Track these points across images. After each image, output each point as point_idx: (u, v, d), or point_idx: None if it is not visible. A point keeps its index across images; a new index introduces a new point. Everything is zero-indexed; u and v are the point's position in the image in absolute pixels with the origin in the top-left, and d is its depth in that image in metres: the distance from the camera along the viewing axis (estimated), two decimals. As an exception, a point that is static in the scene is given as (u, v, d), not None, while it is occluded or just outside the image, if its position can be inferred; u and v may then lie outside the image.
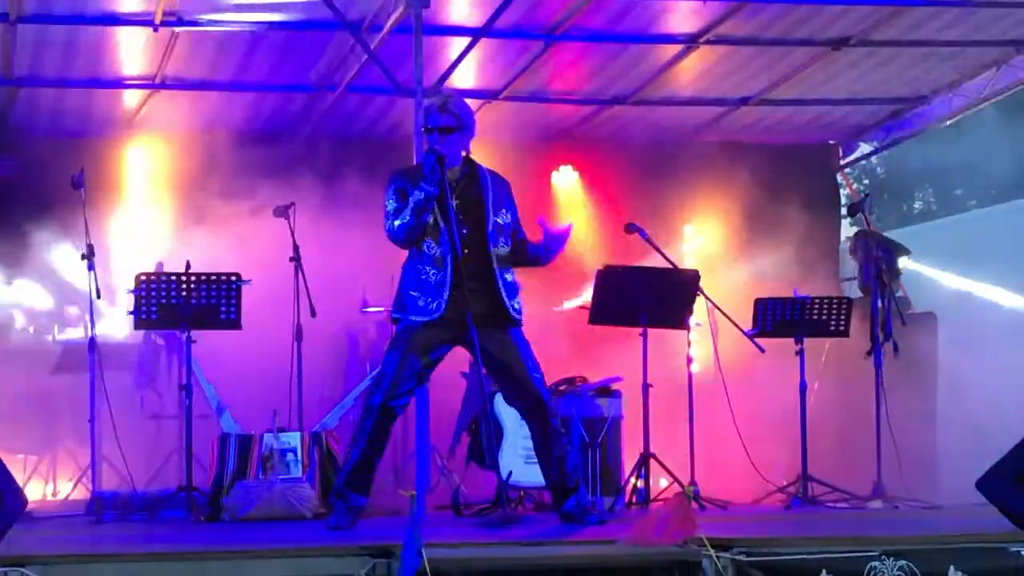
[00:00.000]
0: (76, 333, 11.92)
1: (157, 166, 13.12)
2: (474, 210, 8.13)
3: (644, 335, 10.24)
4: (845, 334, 10.97)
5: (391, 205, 8.13)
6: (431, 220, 8.06)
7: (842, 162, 15.11)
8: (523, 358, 8.18)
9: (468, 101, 12.74)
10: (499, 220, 8.20)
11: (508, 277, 8.21)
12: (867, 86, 13.10)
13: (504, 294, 8.13)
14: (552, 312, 12.16)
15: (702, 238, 14.02)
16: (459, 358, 8.84)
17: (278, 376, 10.72)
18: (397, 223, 8.08)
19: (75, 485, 11.86)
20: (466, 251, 8.06)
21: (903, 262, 12.73)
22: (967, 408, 13.05)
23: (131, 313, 10.11)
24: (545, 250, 8.35)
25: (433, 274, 8.06)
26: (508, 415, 9.60)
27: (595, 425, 10.31)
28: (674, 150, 14.23)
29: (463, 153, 8.27)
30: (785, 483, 10.86)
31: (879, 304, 10.63)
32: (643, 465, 10.18)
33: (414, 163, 8.44)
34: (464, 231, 8.08)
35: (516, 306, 8.20)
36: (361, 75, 11.70)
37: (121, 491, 10.46)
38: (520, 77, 12.44)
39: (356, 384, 11.20)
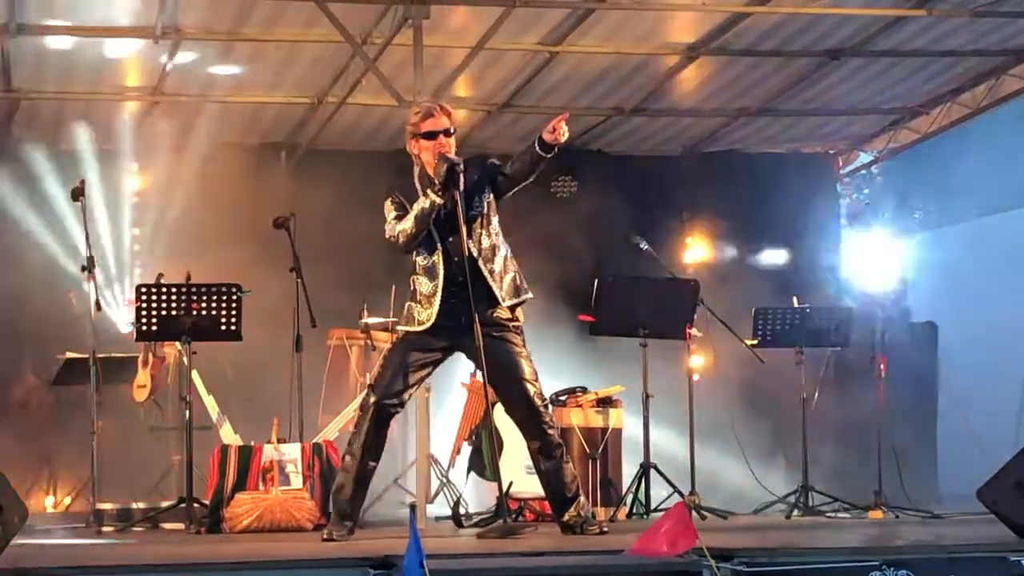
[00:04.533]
0: (77, 344, 11.91)
1: (157, 178, 13.14)
2: (452, 214, 7.92)
3: (644, 345, 10.25)
4: (846, 344, 10.96)
5: (391, 216, 8.08)
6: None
7: (842, 171, 15.13)
8: (518, 365, 8.08)
9: (469, 112, 12.83)
10: (474, 212, 8.03)
11: (496, 266, 8.04)
12: (866, 96, 13.12)
13: (492, 284, 7.98)
14: (556, 323, 12.15)
15: (702, 248, 14.02)
16: (460, 368, 8.84)
17: (278, 387, 10.71)
18: (399, 229, 7.98)
19: (76, 497, 11.86)
20: (455, 259, 7.99)
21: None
22: (968, 417, 13.05)
23: (132, 325, 10.12)
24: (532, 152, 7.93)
25: (425, 284, 8.02)
26: (509, 425, 9.57)
27: (596, 436, 10.31)
28: (674, 160, 14.26)
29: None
30: (786, 493, 10.85)
31: (879, 314, 10.62)
32: (644, 476, 10.18)
33: (411, 173, 8.28)
34: (449, 239, 8.01)
35: (510, 291, 8.03)
36: (361, 86, 11.71)
37: (122, 503, 10.47)
38: (520, 88, 12.47)
39: (356, 395, 11.19)
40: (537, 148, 7.87)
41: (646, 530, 6.39)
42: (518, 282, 8.15)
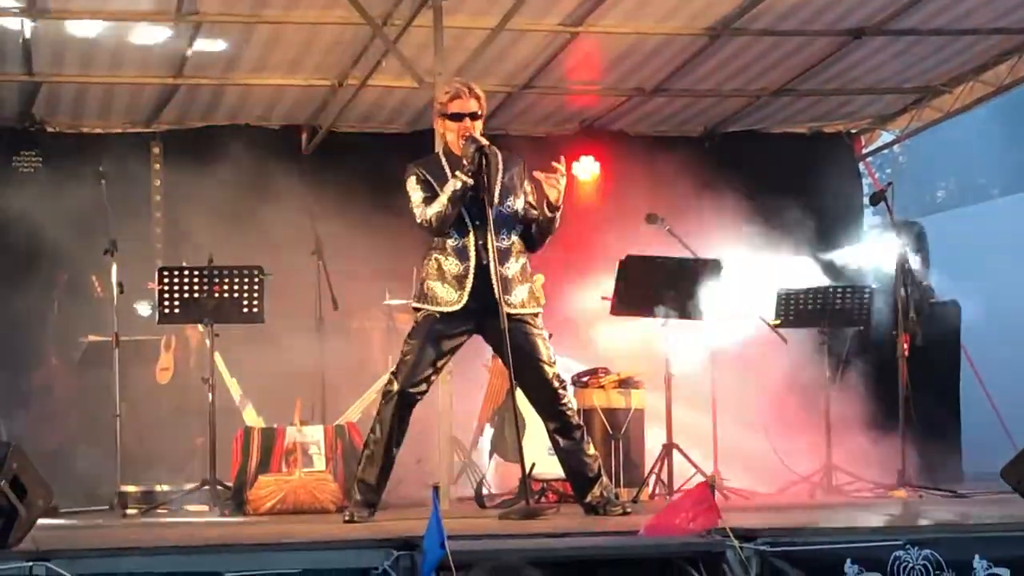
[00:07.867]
0: (100, 328, 11.94)
1: (178, 160, 13.14)
2: (483, 200, 7.97)
3: (666, 326, 10.24)
4: (868, 323, 10.94)
5: (417, 195, 8.04)
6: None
7: (864, 151, 15.07)
8: (535, 347, 8.08)
9: (489, 92, 12.78)
10: (504, 210, 8.07)
11: (509, 271, 8.06)
12: (888, 75, 13.07)
13: (496, 287, 7.96)
14: (577, 302, 12.14)
15: (723, 228, 13.97)
16: (481, 349, 8.84)
17: (301, 370, 10.72)
18: (432, 213, 7.95)
19: (99, 479, 11.88)
20: (481, 242, 7.98)
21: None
22: (991, 397, 13.00)
23: (154, 308, 10.13)
24: (541, 223, 8.14)
25: (455, 265, 8.00)
26: (531, 406, 9.59)
27: (618, 416, 10.31)
28: (695, 141, 14.23)
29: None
30: (809, 472, 10.84)
31: (902, 293, 10.59)
32: (666, 456, 10.18)
33: (432, 153, 8.30)
34: (476, 222, 8.01)
35: (514, 299, 8.01)
36: (381, 67, 11.70)
37: (145, 485, 10.49)
38: (541, 68, 12.44)
39: (378, 377, 11.20)
40: (547, 210, 7.99)
41: (664, 510, 6.40)
42: (536, 294, 8.17)
